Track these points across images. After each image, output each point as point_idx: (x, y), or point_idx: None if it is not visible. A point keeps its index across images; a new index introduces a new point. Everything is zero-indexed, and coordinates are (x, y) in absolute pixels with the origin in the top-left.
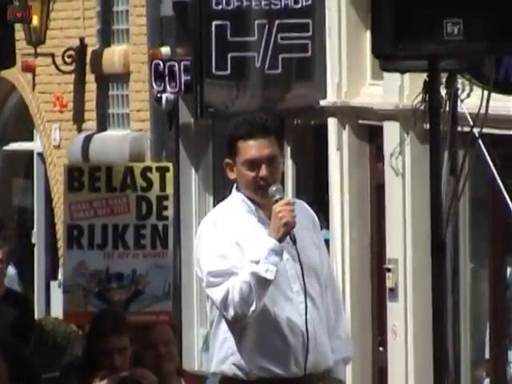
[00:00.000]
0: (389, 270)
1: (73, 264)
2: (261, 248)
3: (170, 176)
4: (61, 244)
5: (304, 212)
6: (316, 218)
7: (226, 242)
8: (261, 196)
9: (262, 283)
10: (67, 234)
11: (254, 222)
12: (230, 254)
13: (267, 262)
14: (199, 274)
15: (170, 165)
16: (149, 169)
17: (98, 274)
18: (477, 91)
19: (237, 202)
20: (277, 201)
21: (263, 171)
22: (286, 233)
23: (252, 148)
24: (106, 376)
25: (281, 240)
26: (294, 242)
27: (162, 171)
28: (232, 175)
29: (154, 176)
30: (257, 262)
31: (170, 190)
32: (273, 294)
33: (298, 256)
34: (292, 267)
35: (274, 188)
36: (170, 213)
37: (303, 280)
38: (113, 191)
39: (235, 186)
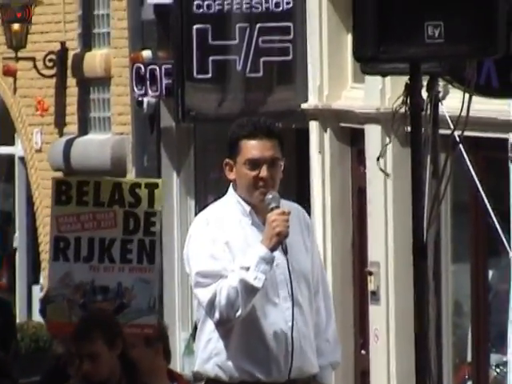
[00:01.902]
0: (371, 273)
1: (58, 275)
2: (252, 254)
3: (158, 192)
4: (42, 248)
5: (298, 216)
6: (309, 220)
7: (217, 242)
8: (257, 197)
9: (249, 290)
10: (53, 246)
11: (248, 224)
12: (220, 255)
13: (257, 269)
14: (188, 271)
15: (160, 181)
16: (137, 185)
17: (83, 286)
18: (458, 94)
19: (232, 202)
20: (272, 209)
21: (264, 172)
22: (279, 242)
23: (255, 147)
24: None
25: (273, 249)
26: (285, 252)
27: (151, 187)
28: (231, 175)
29: (143, 192)
30: (247, 269)
31: (158, 206)
32: (259, 299)
33: (288, 266)
34: (281, 273)
35: (270, 196)
36: (157, 229)
37: (291, 288)
38: (100, 206)
39: (231, 186)
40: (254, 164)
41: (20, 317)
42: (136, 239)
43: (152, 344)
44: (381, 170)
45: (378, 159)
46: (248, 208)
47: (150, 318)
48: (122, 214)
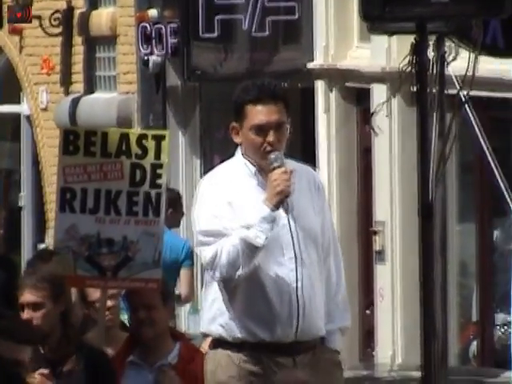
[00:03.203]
0: (376, 232)
1: (64, 227)
2: (253, 214)
3: (165, 144)
4: (48, 207)
5: (308, 178)
6: (321, 183)
7: (221, 202)
8: (265, 161)
9: (250, 249)
10: (60, 197)
11: (253, 185)
12: (223, 214)
13: (258, 228)
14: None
15: (167, 133)
16: (145, 136)
17: (88, 239)
18: (464, 54)
19: (238, 164)
20: (274, 168)
21: (271, 137)
22: (280, 201)
23: (261, 113)
24: None
25: (274, 208)
26: (286, 211)
27: (158, 139)
28: (237, 139)
29: (150, 144)
30: (248, 227)
31: (164, 158)
32: (264, 259)
33: (290, 225)
34: (287, 233)
35: (272, 156)
36: (163, 181)
37: (294, 248)
38: (107, 157)
39: (239, 148)
40: (261, 129)
41: None
42: (142, 191)
43: (168, 304)
44: (371, 128)
45: (371, 115)
46: (253, 169)
47: (154, 271)
48: (129, 166)
